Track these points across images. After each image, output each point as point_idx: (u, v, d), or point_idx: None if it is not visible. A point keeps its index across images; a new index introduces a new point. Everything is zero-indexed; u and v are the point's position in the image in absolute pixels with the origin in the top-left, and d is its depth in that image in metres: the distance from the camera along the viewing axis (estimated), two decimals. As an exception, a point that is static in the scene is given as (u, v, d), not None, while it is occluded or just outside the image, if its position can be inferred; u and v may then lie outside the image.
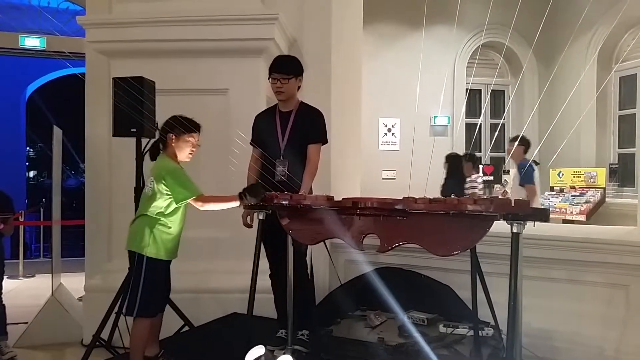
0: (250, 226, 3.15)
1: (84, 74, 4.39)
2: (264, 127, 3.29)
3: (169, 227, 2.86)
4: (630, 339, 3.20)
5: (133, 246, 2.86)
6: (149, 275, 2.81)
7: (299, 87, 3.27)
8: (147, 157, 3.20)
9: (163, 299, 3.03)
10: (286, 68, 3.19)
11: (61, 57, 7.50)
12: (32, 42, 8.97)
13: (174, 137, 2.90)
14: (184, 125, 2.91)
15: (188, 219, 3.04)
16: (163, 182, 2.78)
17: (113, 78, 3.49)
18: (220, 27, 4.03)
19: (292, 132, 3.19)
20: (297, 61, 3.29)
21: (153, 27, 4.07)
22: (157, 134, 3.11)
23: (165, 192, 2.79)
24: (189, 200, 2.81)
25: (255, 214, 2.93)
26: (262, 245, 3.05)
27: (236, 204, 2.81)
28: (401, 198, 2.39)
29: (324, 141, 3.28)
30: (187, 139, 2.92)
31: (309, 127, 3.21)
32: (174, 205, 2.84)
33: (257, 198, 2.77)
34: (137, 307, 2.80)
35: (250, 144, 3.36)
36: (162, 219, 2.84)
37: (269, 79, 3.21)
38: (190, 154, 2.95)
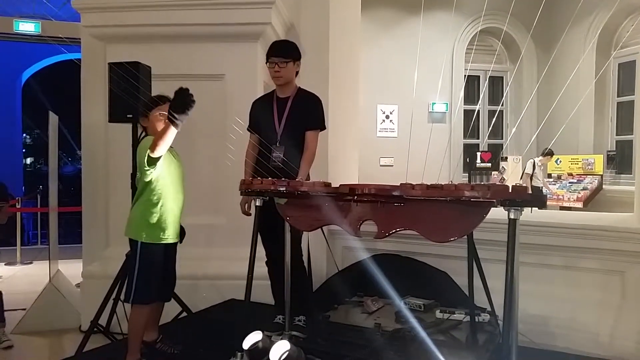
0: (248, 214, 3.15)
1: (79, 59, 4.35)
2: (261, 113, 3.27)
3: (156, 204, 2.81)
4: (625, 325, 3.22)
5: (129, 232, 2.86)
6: (144, 261, 2.80)
7: (297, 73, 3.25)
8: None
9: (162, 286, 2.95)
10: (284, 52, 3.15)
11: (56, 42, 7.43)
12: (27, 27, 8.88)
13: (145, 119, 2.89)
14: (145, 104, 2.90)
15: (185, 206, 3.03)
16: (139, 159, 2.75)
17: (108, 63, 3.45)
18: (217, 12, 3.99)
19: (289, 118, 3.18)
20: (294, 45, 3.26)
21: (149, 12, 4.03)
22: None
23: (142, 168, 2.74)
24: (149, 154, 2.66)
25: (253, 201, 2.92)
26: (259, 232, 3.05)
27: (174, 129, 2.58)
28: (398, 184, 2.38)
29: (322, 127, 3.26)
30: (155, 114, 2.86)
31: (307, 113, 3.19)
32: (152, 176, 2.76)
33: (185, 108, 2.51)
34: (133, 293, 2.78)
35: (248, 130, 3.34)
36: (147, 197, 2.81)
37: (266, 63, 3.19)
38: None
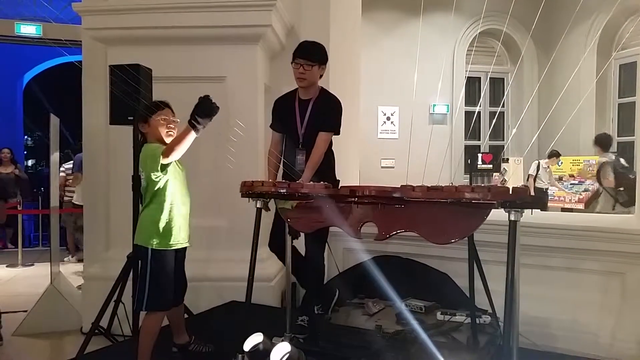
0: (268, 209, 3.10)
1: (80, 61, 4.36)
2: (284, 114, 3.26)
3: (165, 209, 2.77)
4: (626, 326, 3.22)
5: (138, 240, 2.80)
6: (155, 267, 2.75)
7: (321, 75, 3.22)
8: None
9: (176, 291, 2.91)
10: (311, 54, 3.12)
11: (58, 44, 7.45)
12: (28, 29, 8.89)
13: (144, 124, 2.85)
14: (146, 108, 2.85)
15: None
16: (146, 166, 2.73)
17: (109, 65, 3.46)
18: (217, 14, 3.99)
19: (310, 121, 3.17)
20: (323, 49, 3.20)
21: (150, 14, 4.04)
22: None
23: (151, 175, 2.71)
24: (161, 161, 2.66)
25: (253, 202, 2.91)
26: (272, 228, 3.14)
27: (193, 134, 2.61)
28: (399, 186, 2.38)
29: (336, 132, 3.24)
30: (157, 119, 2.82)
31: (324, 114, 3.18)
32: (162, 182, 2.75)
33: (210, 116, 2.58)
34: (146, 300, 2.74)
35: (270, 127, 3.36)
36: (156, 203, 2.77)
37: (292, 63, 3.16)
38: (168, 131, 2.82)
